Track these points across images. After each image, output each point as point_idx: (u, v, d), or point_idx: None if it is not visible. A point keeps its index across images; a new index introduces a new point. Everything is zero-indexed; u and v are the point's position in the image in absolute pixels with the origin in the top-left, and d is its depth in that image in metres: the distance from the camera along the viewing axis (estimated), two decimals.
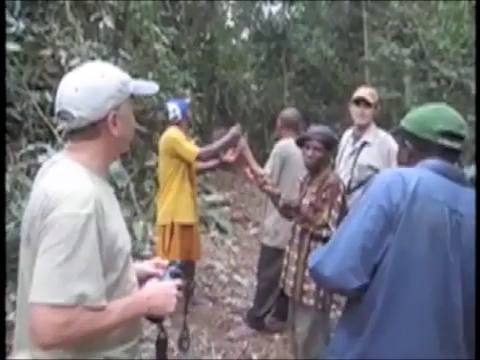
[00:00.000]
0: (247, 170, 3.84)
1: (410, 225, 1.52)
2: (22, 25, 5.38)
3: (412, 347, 1.53)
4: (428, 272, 1.52)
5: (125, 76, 1.53)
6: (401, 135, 1.81)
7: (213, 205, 7.55)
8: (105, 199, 1.46)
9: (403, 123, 1.79)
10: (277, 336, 4.06)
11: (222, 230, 6.84)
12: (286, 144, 3.97)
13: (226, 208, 7.73)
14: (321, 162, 3.00)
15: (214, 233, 6.67)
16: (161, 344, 1.65)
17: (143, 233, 5.43)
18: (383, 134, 3.61)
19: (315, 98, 12.44)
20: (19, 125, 5.46)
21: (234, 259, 5.99)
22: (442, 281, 1.52)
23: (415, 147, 1.73)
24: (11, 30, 5.33)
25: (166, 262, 1.74)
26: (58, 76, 5.92)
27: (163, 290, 1.54)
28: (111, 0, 6.57)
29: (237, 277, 5.38)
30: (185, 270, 1.70)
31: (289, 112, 4.28)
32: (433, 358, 1.52)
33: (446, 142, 1.65)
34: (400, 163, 1.82)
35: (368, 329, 1.57)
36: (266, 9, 12.99)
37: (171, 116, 4.18)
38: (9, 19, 5.37)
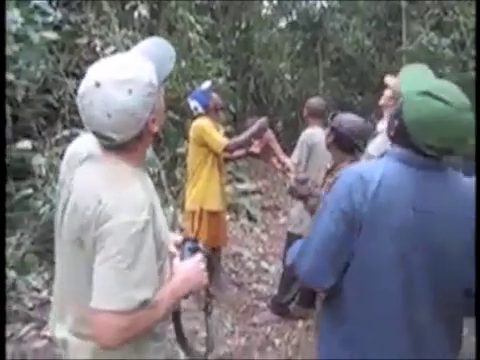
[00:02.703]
0: (274, 160, 3.90)
1: (372, 227, 1.51)
2: (59, 15, 5.52)
3: (383, 350, 1.57)
4: (392, 274, 1.52)
5: (149, 71, 1.43)
6: (396, 117, 1.62)
7: (244, 193, 7.61)
8: (154, 196, 1.52)
9: (404, 115, 1.56)
10: (300, 323, 4.10)
11: (252, 218, 6.90)
12: (312, 132, 3.98)
13: (257, 196, 7.78)
14: (336, 153, 2.93)
15: (244, 221, 6.73)
16: (177, 317, 1.74)
17: (173, 219, 5.53)
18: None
19: (350, 88, 12.30)
20: (56, 111, 5.62)
21: (262, 247, 6.04)
22: (406, 283, 1.52)
23: (401, 135, 1.59)
24: (49, 19, 5.46)
25: (179, 238, 1.81)
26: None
27: (193, 269, 1.61)
28: None
29: (264, 264, 5.43)
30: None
31: (315, 100, 4.29)
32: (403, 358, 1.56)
33: (433, 153, 1.52)
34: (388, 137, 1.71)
35: (345, 324, 1.63)
36: None
37: (194, 113, 4.25)
38: (47, 9, 5.51)
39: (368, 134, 3.02)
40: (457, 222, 1.52)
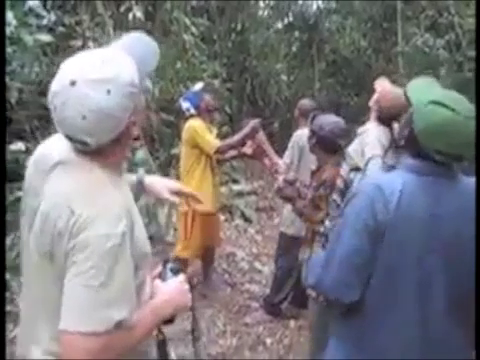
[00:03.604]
0: (267, 161, 3.92)
1: (395, 238, 1.54)
2: (53, 17, 5.55)
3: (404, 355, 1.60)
4: (410, 281, 1.56)
5: (130, 69, 1.31)
6: (406, 125, 1.67)
7: (240, 194, 7.62)
8: (131, 203, 1.41)
9: (414, 124, 1.61)
10: (292, 322, 4.12)
11: (246, 219, 6.92)
12: (303, 133, 4.00)
13: (252, 197, 7.79)
14: (320, 154, 2.94)
15: (238, 221, 6.75)
16: (162, 345, 1.62)
17: (167, 219, 5.55)
18: (370, 125, 3.55)
19: (347, 89, 12.33)
20: (50, 113, 5.64)
21: (256, 247, 6.06)
22: (424, 288, 1.55)
23: (411, 144, 1.64)
24: (43, 22, 5.49)
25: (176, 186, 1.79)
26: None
27: (176, 289, 1.51)
28: None
29: (257, 264, 5.45)
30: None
31: (306, 102, 4.32)
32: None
33: (442, 159, 1.57)
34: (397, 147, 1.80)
35: (367, 333, 1.64)
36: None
37: (187, 114, 4.27)
38: (41, 11, 5.53)
39: (349, 134, 3.05)
40: (470, 224, 1.56)
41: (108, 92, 1.23)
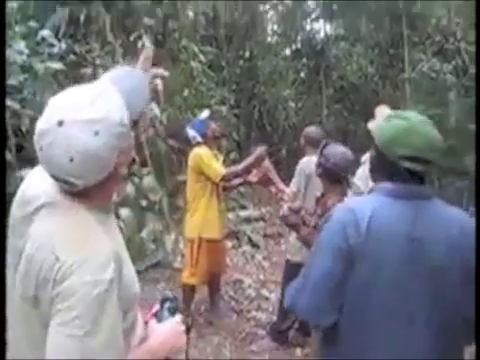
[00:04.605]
0: (273, 188, 3.94)
1: (366, 261, 1.55)
2: (64, 45, 5.68)
3: None
4: (391, 305, 1.55)
5: (120, 108, 1.26)
6: (373, 150, 1.78)
7: (247, 220, 7.63)
8: (120, 243, 1.36)
9: (376, 137, 1.75)
10: (299, 350, 4.07)
11: (254, 245, 6.91)
12: (309, 161, 4.02)
13: (260, 223, 7.79)
14: (325, 183, 2.96)
15: (246, 248, 6.73)
16: None
17: (174, 246, 5.56)
18: None
19: (354, 115, 12.38)
20: None
21: (263, 274, 6.02)
22: (405, 313, 1.54)
23: (382, 164, 1.70)
24: (54, 50, 5.61)
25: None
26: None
27: (171, 330, 1.45)
28: (150, 19, 6.82)
29: (265, 292, 5.42)
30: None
31: (312, 129, 4.34)
32: None
33: (408, 165, 1.60)
34: (371, 176, 1.83)
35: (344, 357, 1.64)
36: (308, 26, 13.11)
37: (193, 142, 4.32)
38: (53, 40, 5.66)
39: (353, 167, 3.08)
40: (452, 249, 1.55)
41: (96, 133, 1.17)
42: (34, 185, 1.33)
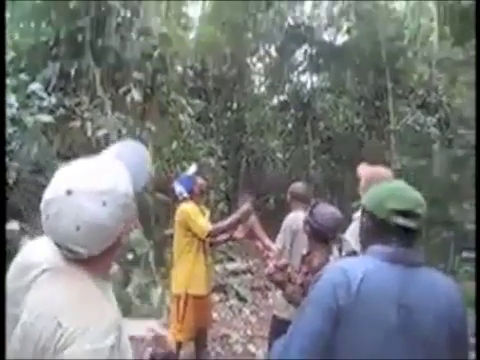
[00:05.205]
0: (259, 244, 3.93)
1: (355, 324, 1.54)
2: (53, 99, 5.74)
3: None
4: None
5: (125, 181, 1.30)
6: (361, 213, 1.81)
7: (235, 273, 7.58)
8: (118, 310, 1.35)
9: (363, 201, 1.80)
10: None
11: (241, 299, 6.83)
12: (296, 217, 4.02)
13: (248, 276, 7.73)
14: (311, 241, 2.97)
15: (233, 301, 6.65)
16: None
17: (160, 300, 5.48)
18: None
19: (341, 165, 12.54)
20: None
21: (251, 329, 5.94)
22: None
23: (372, 225, 1.72)
24: (44, 104, 5.67)
25: (155, 326, 1.68)
26: (85, 146, 6.26)
27: None
28: (139, 73, 6.94)
29: (251, 347, 5.33)
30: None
31: (298, 185, 4.36)
32: None
33: (400, 221, 1.62)
34: (361, 241, 1.84)
35: None
36: (295, 78, 13.42)
37: (180, 198, 4.33)
38: (43, 94, 5.73)
39: (341, 227, 3.08)
40: (440, 320, 1.56)
41: (104, 204, 1.21)
42: (36, 253, 1.33)
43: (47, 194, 1.21)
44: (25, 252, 1.36)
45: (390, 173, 3.33)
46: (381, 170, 3.36)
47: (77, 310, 1.18)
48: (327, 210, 2.92)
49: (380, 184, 1.77)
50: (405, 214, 1.63)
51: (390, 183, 1.79)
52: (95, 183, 1.22)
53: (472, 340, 1.69)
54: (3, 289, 1.31)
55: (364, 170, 3.45)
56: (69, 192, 1.18)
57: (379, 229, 1.68)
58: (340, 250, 3.23)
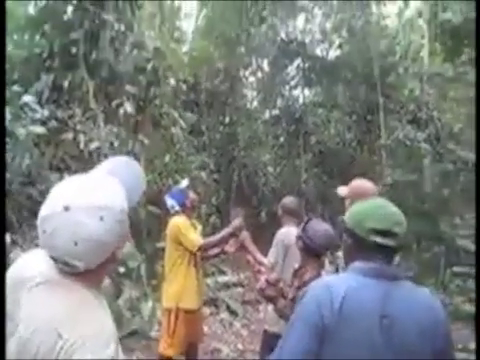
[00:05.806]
0: (250, 257, 3.93)
1: (339, 343, 1.56)
2: (46, 112, 5.75)
3: None
4: None
5: (121, 196, 1.32)
6: (342, 230, 1.85)
7: (226, 286, 7.55)
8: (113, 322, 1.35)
9: (345, 218, 1.83)
10: None
11: (232, 312, 6.80)
12: (288, 231, 4.03)
13: (239, 289, 7.71)
14: (303, 256, 2.99)
15: (224, 315, 6.62)
16: None
17: (151, 314, 5.45)
18: None
19: (333, 179, 12.59)
20: (38, 204, 5.68)
21: (242, 343, 5.91)
22: None
23: (353, 243, 1.76)
24: (36, 116, 5.67)
25: None
26: (78, 158, 6.27)
27: None
28: (132, 86, 6.96)
29: None
30: None
31: (289, 200, 4.37)
32: None
33: (378, 239, 1.67)
34: (344, 258, 1.88)
35: None
36: (287, 93, 13.50)
37: (171, 211, 4.33)
38: (36, 106, 5.74)
39: (333, 244, 3.09)
40: (422, 333, 1.58)
41: (101, 219, 1.22)
42: (29, 267, 1.32)
43: (44, 210, 1.21)
44: (18, 266, 1.36)
45: (373, 186, 3.27)
46: (364, 185, 3.28)
47: (77, 321, 1.19)
48: (320, 227, 2.93)
49: (362, 202, 1.82)
50: (384, 233, 1.68)
51: (370, 201, 1.81)
52: (92, 199, 1.23)
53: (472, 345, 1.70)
54: (3, 289, 1.31)
55: (343, 191, 3.41)
56: (66, 208, 1.19)
57: (360, 246, 1.72)
58: (337, 269, 3.24)
